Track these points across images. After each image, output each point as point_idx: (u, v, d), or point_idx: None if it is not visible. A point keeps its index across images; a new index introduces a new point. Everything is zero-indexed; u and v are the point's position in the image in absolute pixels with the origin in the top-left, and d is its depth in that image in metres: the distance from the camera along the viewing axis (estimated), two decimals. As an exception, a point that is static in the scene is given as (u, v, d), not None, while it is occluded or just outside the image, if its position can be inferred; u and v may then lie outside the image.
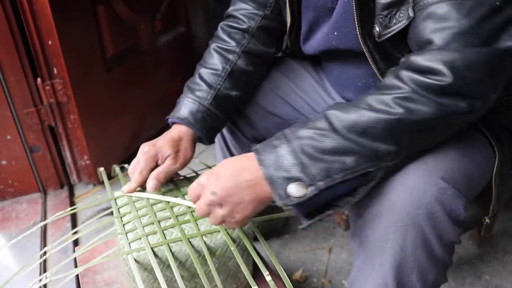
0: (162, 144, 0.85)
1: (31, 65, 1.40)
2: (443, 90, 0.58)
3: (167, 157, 0.84)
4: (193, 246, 0.73)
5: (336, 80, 0.95)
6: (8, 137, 1.47)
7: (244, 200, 0.65)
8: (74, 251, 0.85)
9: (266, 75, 1.00)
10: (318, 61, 1.01)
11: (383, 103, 0.60)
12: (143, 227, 0.76)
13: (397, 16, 0.67)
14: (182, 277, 0.69)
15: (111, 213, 0.83)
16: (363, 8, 0.69)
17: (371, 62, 0.73)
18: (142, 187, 0.85)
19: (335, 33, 0.81)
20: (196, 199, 0.70)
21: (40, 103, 1.46)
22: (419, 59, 0.60)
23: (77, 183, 1.68)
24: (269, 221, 0.84)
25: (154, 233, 0.75)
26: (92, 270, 0.90)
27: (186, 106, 0.89)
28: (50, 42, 1.36)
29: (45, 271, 1.23)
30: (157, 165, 0.85)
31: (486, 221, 0.79)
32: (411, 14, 0.64)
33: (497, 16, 0.58)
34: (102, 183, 1.62)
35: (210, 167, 0.89)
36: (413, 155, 0.64)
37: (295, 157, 0.61)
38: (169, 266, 0.71)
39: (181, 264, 0.73)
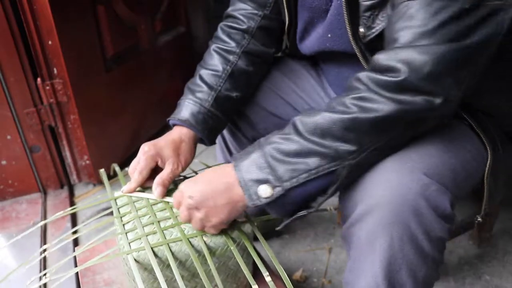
0: (163, 145, 0.85)
1: (31, 65, 1.40)
2: (398, 86, 0.59)
3: (169, 160, 0.84)
4: (193, 246, 0.73)
5: (334, 81, 0.96)
6: (8, 137, 1.47)
7: (219, 204, 0.69)
8: (74, 251, 0.85)
9: (266, 75, 1.00)
10: (318, 62, 1.01)
11: (342, 104, 0.64)
12: (143, 227, 0.76)
13: (379, 16, 0.69)
14: (182, 277, 0.69)
15: (111, 213, 0.83)
16: (352, 10, 0.71)
17: (363, 63, 0.74)
18: (142, 187, 0.85)
19: (329, 35, 0.82)
20: (178, 206, 0.74)
21: (40, 103, 1.46)
22: (380, 58, 0.62)
23: (77, 183, 1.68)
24: (269, 221, 0.84)
25: (154, 233, 0.75)
26: (92, 270, 0.90)
27: (187, 107, 0.89)
28: (50, 42, 1.36)
29: (45, 270, 1.23)
30: (157, 166, 0.85)
31: (479, 219, 0.80)
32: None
33: (464, 18, 0.58)
34: (102, 183, 1.62)
35: (210, 167, 0.89)
36: (397, 148, 0.66)
37: (265, 160, 0.66)
38: (169, 266, 0.71)
39: (181, 264, 0.73)
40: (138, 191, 0.84)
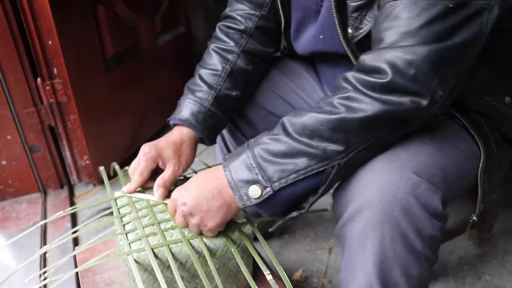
0: (163, 146, 0.85)
1: (31, 65, 1.40)
2: (384, 87, 0.60)
3: (170, 161, 0.84)
4: (193, 247, 0.73)
5: (330, 82, 0.96)
6: (8, 137, 1.47)
7: (212, 207, 0.69)
8: (74, 251, 0.85)
9: (266, 75, 1.00)
10: (314, 62, 1.01)
11: (329, 104, 0.64)
12: (143, 228, 0.76)
13: (367, 17, 0.69)
14: (182, 278, 0.69)
15: (111, 213, 0.83)
16: (342, 11, 0.71)
17: (356, 64, 0.74)
18: (143, 187, 0.85)
19: (321, 37, 0.82)
20: (173, 213, 0.75)
21: (40, 103, 1.46)
22: (366, 59, 0.62)
23: (77, 183, 1.68)
24: (269, 221, 0.84)
25: (154, 234, 0.75)
26: (92, 270, 0.90)
27: (187, 107, 0.89)
28: (50, 42, 1.36)
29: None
30: (157, 167, 0.85)
31: (473, 218, 0.80)
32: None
33: (449, 17, 0.58)
34: (102, 183, 1.62)
35: (209, 167, 0.89)
36: (385, 148, 0.66)
37: (254, 161, 0.66)
38: (169, 267, 0.71)
39: (181, 265, 0.73)
40: (138, 191, 0.84)
